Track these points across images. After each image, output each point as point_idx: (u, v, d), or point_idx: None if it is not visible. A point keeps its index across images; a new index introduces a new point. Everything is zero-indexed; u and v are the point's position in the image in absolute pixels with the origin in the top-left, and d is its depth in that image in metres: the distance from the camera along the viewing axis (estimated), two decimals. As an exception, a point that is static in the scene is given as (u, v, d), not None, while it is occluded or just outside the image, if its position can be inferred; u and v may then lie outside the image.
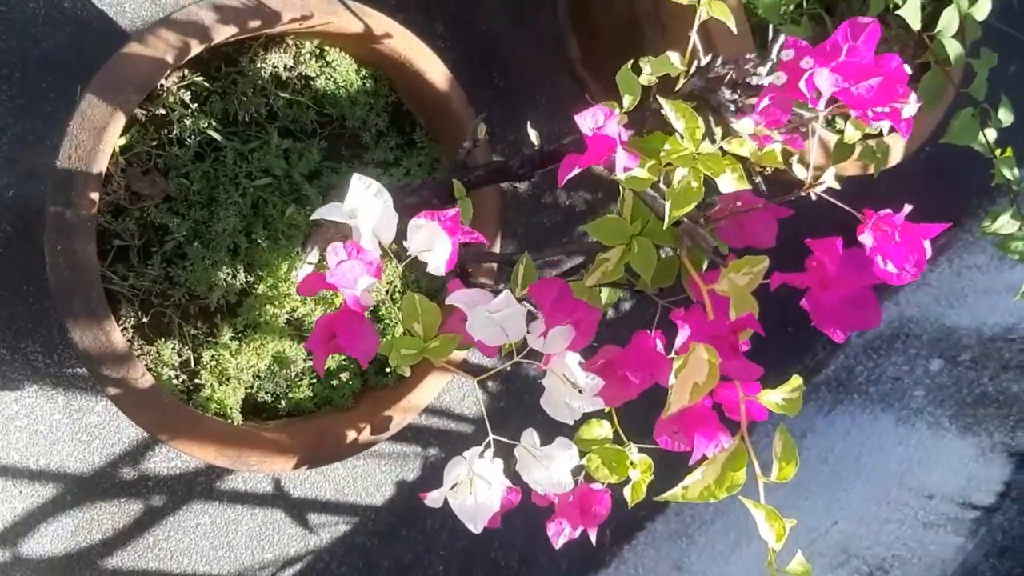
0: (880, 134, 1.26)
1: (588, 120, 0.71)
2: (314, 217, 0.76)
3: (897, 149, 1.37)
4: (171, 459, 1.27)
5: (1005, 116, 1.17)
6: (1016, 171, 1.14)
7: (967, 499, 1.59)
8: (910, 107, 0.72)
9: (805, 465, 1.79)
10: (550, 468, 0.81)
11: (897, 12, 1.09)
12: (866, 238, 0.68)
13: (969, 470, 1.63)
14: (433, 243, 0.76)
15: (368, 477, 1.45)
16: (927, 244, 0.70)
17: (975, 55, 1.23)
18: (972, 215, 2.13)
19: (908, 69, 0.74)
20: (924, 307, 1.98)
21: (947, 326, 1.91)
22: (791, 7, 1.20)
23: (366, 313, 0.74)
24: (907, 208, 0.69)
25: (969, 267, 2.03)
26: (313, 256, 1.03)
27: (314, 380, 1.09)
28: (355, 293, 0.72)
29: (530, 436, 0.82)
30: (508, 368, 1.56)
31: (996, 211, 1.14)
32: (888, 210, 0.71)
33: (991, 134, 1.15)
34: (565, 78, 1.56)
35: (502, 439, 0.80)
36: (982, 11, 1.21)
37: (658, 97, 0.78)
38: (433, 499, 0.77)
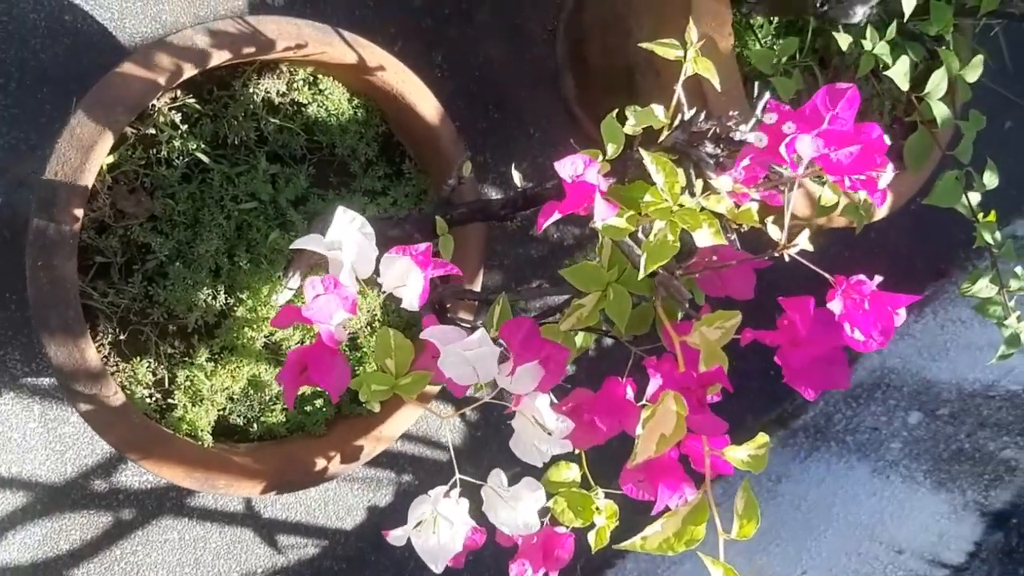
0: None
1: (568, 167, 0.71)
2: (295, 246, 0.77)
3: (883, 205, 1.38)
4: (142, 473, 1.27)
5: (989, 180, 1.18)
6: (998, 235, 1.15)
7: (937, 556, 1.59)
8: (885, 176, 0.73)
9: (777, 511, 1.80)
10: (516, 509, 0.82)
11: (887, 73, 1.10)
12: (835, 305, 0.69)
13: (940, 527, 1.63)
14: (407, 277, 0.77)
15: (340, 501, 1.44)
16: (901, 312, 0.71)
17: (964, 117, 1.25)
18: (959, 267, 2.14)
19: (887, 139, 0.75)
20: (906, 358, 1.99)
21: (928, 379, 1.92)
22: (783, 59, 1.22)
23: (342, 345, 0.75)
24: (877, 279, 0.70)
25: (953, 321, 2.04)
26: (294, 281, 1.03)
27: (285, 408, 1.09)
28: (330, 328, 0.72)
29: (497, 476, 0.83)
30: (479, 406, 1.56)
31: (977, 273, 1.15)
32: (860, 276, 0.72)
33: (975, 197, 1.16)
34: (560, 114, 1.57)
35: (469, 479, 0.80)
36: (973, 74, 1.23)
37: (639, 149, 0.79)
38: (396, 537, 0.77)
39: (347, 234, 0.75)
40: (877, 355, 2.00)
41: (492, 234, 1.53)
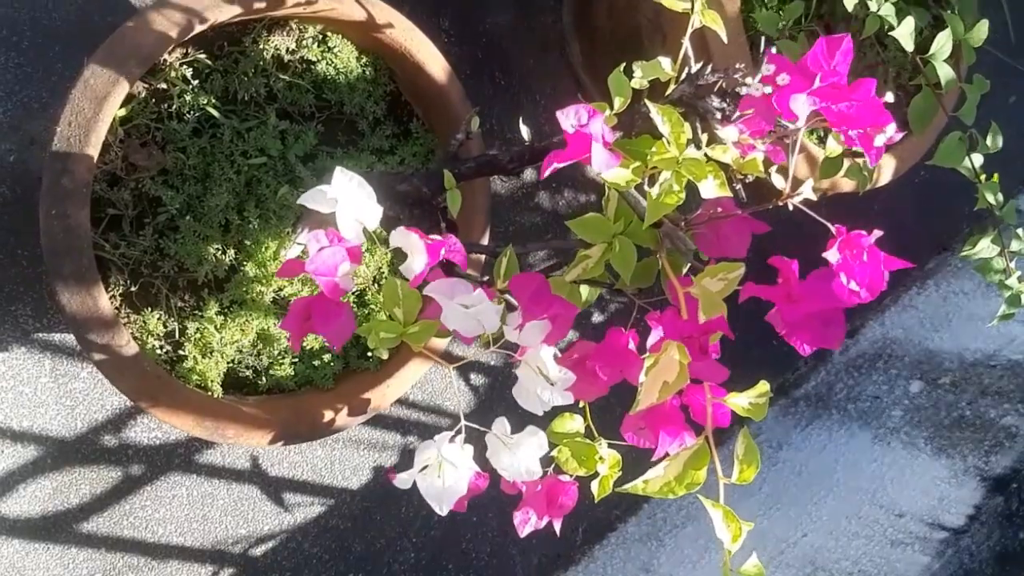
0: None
1: (571, 117, 0.72)
2: (300, 202, 0.78)
3: (887, 169, 1.39)
4: (152, 429, 1.29)
5: (993, 142, 1.18)
6: (1000, 196, 1.16)
7: (937, 519, 1.61)
8: (882, 136, 0.73)
9: (779, 477, 1.81)
10: (519, 455, 0.83)
11: (891, 34, 1.10)
12: (832, 255, 0.70)
13: (941, 491, 1.65)
14: (412, 252, 0.78)
15: (346, 461, 1.46)
16: (886, 274, 0.72)
17: (968, 81, 1.25)
18: (962, 240, 2.15)
19: (890, 96, 0.75)
20: (908, 329, 2.00)
21: (930, 349, 1.93)
22: (789, 23, 1.22)
23: (348, 298, 0.76)
24: (877, 233, 0.71)
25: (956, 292, 2.05)
26: (303, 237, 1.04)
27: (296, 359, 1.11)
28: (333, 280, 0.74)
29: (501, 424, 0.84)
30: (490, 359, 1.57)
31: (976, 236, 1.16)
32: (859, 230, 0.73)
33: (977, 159, 1.17)
34: (567, 80, 1.58)
35: (474, 426, 0.82)
36: (978, 37, 1.23)
37: (646, 101, 0.80)
38: (402, 480, 0.79)
39: (346, 192, 0.76)
40: (879, 326, 2.01)
41: (498, 199, 1.54)
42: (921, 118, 1.18)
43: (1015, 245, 1.14)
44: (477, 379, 1.58)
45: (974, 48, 1.21)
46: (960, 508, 1.60)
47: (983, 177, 1.14)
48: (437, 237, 0.77)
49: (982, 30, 1.20)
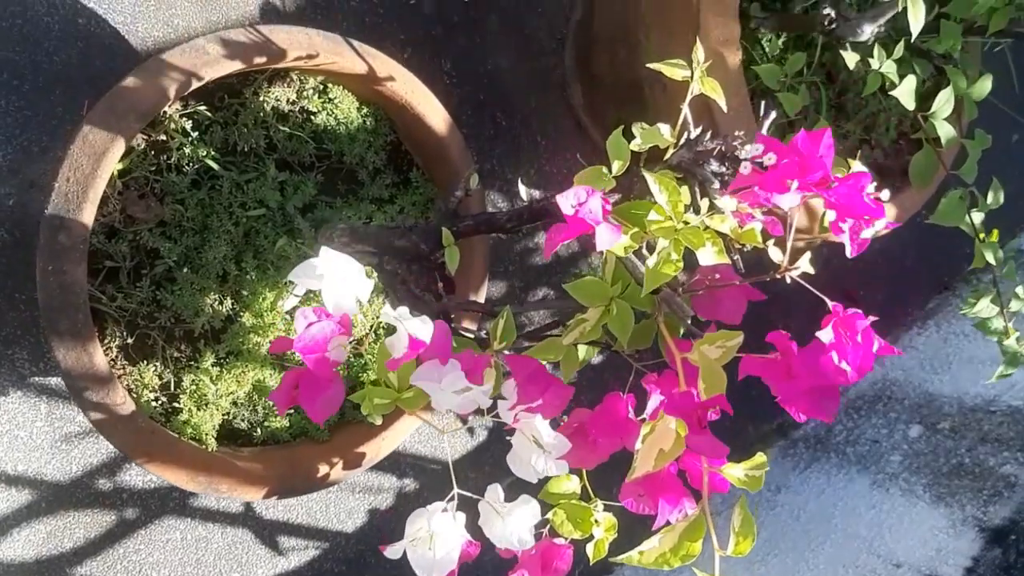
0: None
1: (570, 199, 0.72)
2: (289, 278, 0.77)
3: (888, 219, 1.39)
4: (146, 474, 1.28)
5: (993, 200, 1.18)
6: (1000, 254, 1.16)
7: (934, 571, 1.60)
8: (870, 231, 0.74)
9: (777, 521, 1.80)
10: (512, 525, 0.82)
11: (893, 93, 1.10)
12: (826, 334, 0.70)
13: (939, 541, 1.63)
14: (396, 343, 0.77)
15: (341, 504, 1.45)
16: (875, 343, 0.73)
17: (970, 135, 1.25)
18: (963, 280, 2.15)
19: (886, 194, 0.76)
20: (908, 371, 1.99)
21: (929, 392, 1.92)
22: (791, 75, 1.22)
23: (340, 367, 0.76)
24: (871, 318, 0.71)
25: (956, 334, 2.04)
26: (301, 289, 1.04)
27: (291, 411, 1.11)
28: (321, 355, 0.73)
29: (494, 491, 0.84)
30: (479, 419, 1.57)
31: (978, 293, 1.16)
32: (856, 310, 0.73)
33: (978, 216, 1.17)
34: (568, 122, 1.58)
35: (467, 493, 0.81)
36: (980, 93, 1.23)
37: (642, 171, 0.80)
38: (393, 551, 0.78)
39: (332, 270, 0.75)
40: (879, 366, 2.01)
41: (496, 242, 1.53)
42: (922, 175, 1.18)
43: (1015, 305, 1.14)
44: (473, 419, 1.58)
45: (976, 103, 1.21)
46: (958, 559, 1.58)
47: (982, 235, 1.14)
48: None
49: (985, 85, 1.20)
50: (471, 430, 1.57)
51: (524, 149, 1.55)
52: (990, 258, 1.13)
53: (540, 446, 0.80)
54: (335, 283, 0.74)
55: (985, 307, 1.14)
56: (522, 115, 1.54)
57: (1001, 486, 1.65)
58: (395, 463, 1.50)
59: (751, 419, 1.86)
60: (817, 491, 1.81)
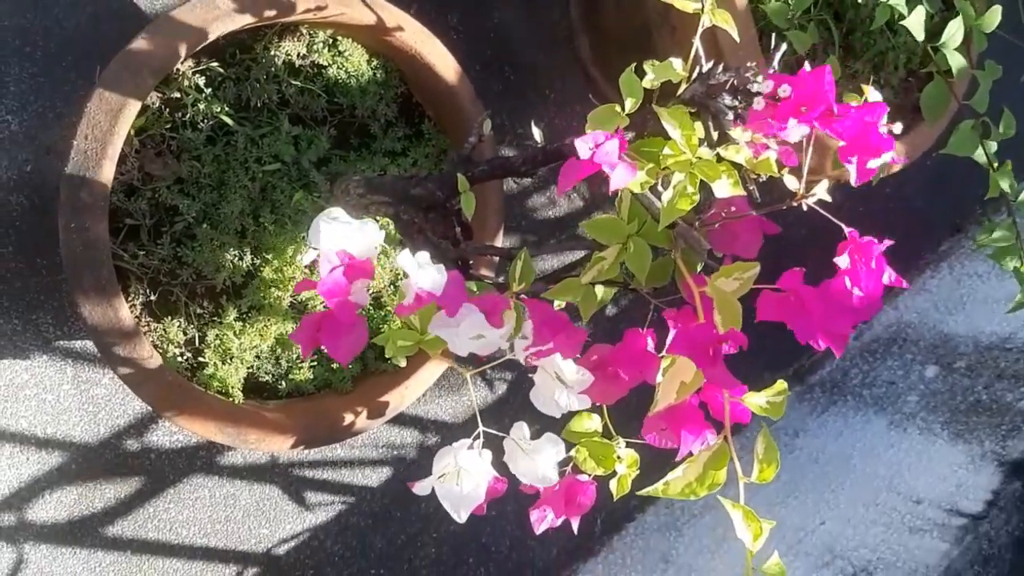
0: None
1: (588, 142, 0.73)
2: (308, 243, 0.77)
3: (900, 157, 1.39)
4: (173, 433, 1.30)
5: (1006, 128, 1.18)
6: (1014, 183, 1.16)
7: (955, 506, 1.61)
8: (877, 160, 0.74)
9: (796, 464, 1.82)
10: (536, 461, 0.84)
11: (902, 23, 1.10)
12: (843, 260, 0.71)
13: (958, 477, 1.65)
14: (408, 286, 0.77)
15: (365, 459, 1.47)
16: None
17: (980, 67, 1.25)
18: (975, 222, 2.15)
19: (898, 128, 0.76)
20: (923, 313, 2.00)
21: (944, 333, 1.93)
22: (799, 13, 1.22)
23: (362, 310, 0.76)
24: (887, 243, 0.72)
25: (970, 275, 2.04)
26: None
27: (314, 363, 1.12)
28: (344, 299, 0.74)
29: (520, 429, 0.85)
30: (501, 363, 1.58)
31: (994, 223, 1.16)
32: (871, 238, 0.73)
33: (991, 146, 1.17)
34: (576, 75, 1.58)
35: (492, 431, 0.82)
36: (990, 23, 1.23)
37: (654, 107, 0.80)
38: (421, 488, 0.80)
39: (328, 236, 0.75)
40: (893, 310, 2.01)
41: (510, 195, 1.54)
42: (934, 107, 1.17)
43: (1030, 233, 1.14)
44: (495, 374, 1.59)
45: (985, 34, 1.21)
46: (978, 494, 1.60)
47: (995, 165, 1.14)
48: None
49: (994, 16, 1.19)
50: (492, 383, 1.59)
51: (533, 104, 1.55)
52: (1005, 186, 1.13)
53: (563, 382, 0.81)
54: (336, 242, 0.74)
55: (1001, 236, 1.14)
56: (530, 69, 1.54)
57: (1020, 420, 1.66)
58: (417, 420, 1.52)
59: (767, 367, 1.87)
60: (835, 434, 1.82)
